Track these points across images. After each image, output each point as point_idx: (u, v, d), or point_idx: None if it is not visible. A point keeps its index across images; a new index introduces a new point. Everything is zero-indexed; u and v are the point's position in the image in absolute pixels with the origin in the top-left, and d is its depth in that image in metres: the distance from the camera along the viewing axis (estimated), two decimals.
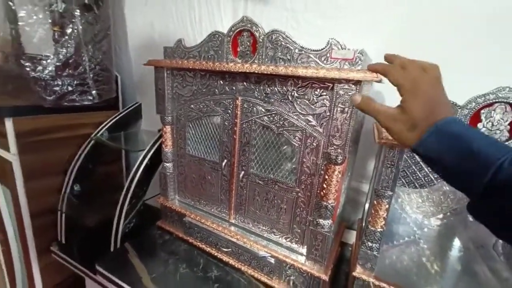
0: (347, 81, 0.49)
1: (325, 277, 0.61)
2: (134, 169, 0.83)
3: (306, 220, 0.63)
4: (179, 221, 0.85)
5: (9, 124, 0.83)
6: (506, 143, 0.47)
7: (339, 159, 0.54)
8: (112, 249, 0.84)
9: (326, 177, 0.57)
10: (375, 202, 0.58)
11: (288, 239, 0.68)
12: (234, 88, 0.65)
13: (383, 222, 0.59)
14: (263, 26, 0.57)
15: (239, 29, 0.59)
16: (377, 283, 0.60)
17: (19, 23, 0.82)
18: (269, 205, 0.68)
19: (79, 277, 0.95)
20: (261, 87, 0.61)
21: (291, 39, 0.53)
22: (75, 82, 0.92)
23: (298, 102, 0.57)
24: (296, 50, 0.53)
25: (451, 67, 0.63)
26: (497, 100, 0.46)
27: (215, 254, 0.78)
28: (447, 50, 0.67)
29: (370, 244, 0.60)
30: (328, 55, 0.51)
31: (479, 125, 0.48)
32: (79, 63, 0.92)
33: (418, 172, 0.55)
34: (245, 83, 0.63)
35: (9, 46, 0.89)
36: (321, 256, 0.62)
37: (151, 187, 0.96)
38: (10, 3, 0.80)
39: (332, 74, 0.49)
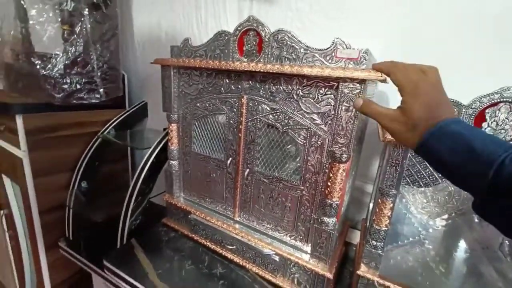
0: (352, 80, 0.49)
1: (329, 275, 0.61)
2: (140, 166, 0.85)
3: (310, 218, 0.64)
4: (184, 218, 0.86)
5: (19, 121, 0.85)
6: (511, 142, 0.47)
7: (343, 157, 0.54)
8: (118, 245, 0.85)
9: (331, 175, 0.57)
10: (379, 200, 0.58)
11: (292, 237, 0.69)
12: (239, 86, 0.66)
13: (388, 221, 0.59)
14: (268, 26, 0.57)
15: (245, 29, 0.60)
16: (381, 281, 0.60)
17: (30, 22, 0.84)
18: (274, 203, 0.69)
19: (86, 273, 0.97)
20: (267, 86, 0.62)
21: (296, 39, 0.54)
22: (83, 80, 0.93)
23: (303, 101, 0.58)
24: (302, 50, 0.54)
25: (454, 67, 0.64)
26: (502, 100, 0.45)
27: (220, 252, 0.78)
28: (449, 50, 0.67)
29: (374, 242, 0.60)
30: (333, 54, 0.51)
31: (484, 125, 0.48)
32: (87, 61, 0.93)
33: (422, 171, 0.55)
34: (250, 82, 0.64)
35: (19, 45, 0.91)
36: (325, 254, 0.62)
37: (156, 186, 0.97)
38: (22, 2, 0.81)
39: (337, 73, 0.49)
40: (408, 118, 0.37)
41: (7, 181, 1.09)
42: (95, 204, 1.01)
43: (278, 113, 0.62)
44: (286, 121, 0.61)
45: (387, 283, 0.60)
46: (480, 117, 0.47)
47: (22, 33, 0.89)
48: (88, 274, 0.96)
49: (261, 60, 0.59)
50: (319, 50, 0.52)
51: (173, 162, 0.85)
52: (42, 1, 0.83)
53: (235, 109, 0.68)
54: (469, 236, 0.75)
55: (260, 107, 0.64)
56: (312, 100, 0.56)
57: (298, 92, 0.58)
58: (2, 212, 1.19)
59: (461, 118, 0.49)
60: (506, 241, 0.69)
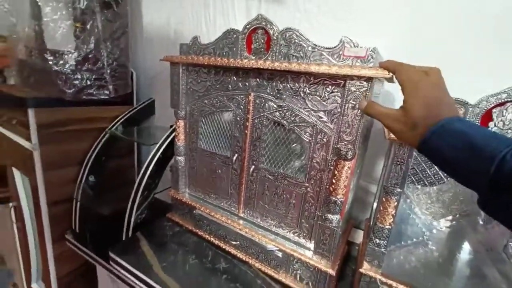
0: (359, 78, 0.50)
1: (332, 272, 0.62)
2: (147, 161, 0.86)
3: (314, 215, 0.64)
4: (189, 213, 0.88)
5: (31, 115, 0.88)
6: None
7: (349, 155, 0.55)
8: (124, 238, 0.86)
9: (336, 172, 0.58)
10: (384, 199, 0.58)
11: (296, 234, 0.69)
12: (247, 84, 0.67)
13: (392, 220, 0.59)
14: (276, 25, 0.58)
15: (254, 27, 0.61)
16: (384, 279, 0.60)
17: (44, 19, 0.86)
18: (278, 200, 0.70)
19: (90, 265, 0.98)
20: (274, 84, 0.63)
21: (304, 37, 0.55)
22: (94, 76, 0.96)
23: (309, 99, 0.59)
24: (309, 48, 0.55)
25: (462, 66, 0.65)
26: (509, 100, 0.46)
27: (224, 247, 0.79)
28: (456, 50, 0.67)
29: (378, 241, 0.61)
30: (340, 52, 0.52)
31: (491, 124, 0.48)
32: (98, 58, 0.95)
33: (428, 170, 0.55)
34: (258, 79, 0.65)
35: (32, 41, 0.93)
36: (328, 250, 0.63)
37: (160, 182, 0.99)
38: (36, 0, 0.84)
39: (345, 71, 0.50)
40: (409, 117, 0.38)
41: (17, 174, 1.12)
42: (102, 198, 1.03)
43: (285, 111, 0.63)
44: (292, 118, 0.62)
45: (389, 281, 0.60)
46: (487, 117, 0.48)
47: (35, 30, 0.91)
48: (92, 267, 0.97)
49: (269, 58, 0.60)
50: (326, 48, 0.53)
51: (180, 158, 0.86)
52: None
53: (242, 106, 0.69)
54: (473, 237, 0.75)
55: (267, 104, 0.65)
56: (318, 98, 0.57)
57: (305, 89, 0.59)
58: (11, 204, 1.22)
59: (467, 117, 0.49)
60: (511, 243, 0.68)
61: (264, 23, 0.59)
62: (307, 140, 0.61)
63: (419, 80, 0.39)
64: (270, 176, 0.70)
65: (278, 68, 0.57)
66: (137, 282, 0.71)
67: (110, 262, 0.78)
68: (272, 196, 0.71)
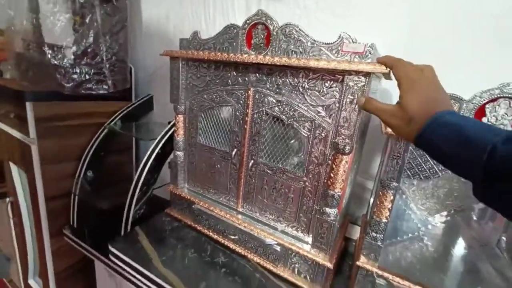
0: (357, 73, 0.51)
1: (329, 265, 0.63)
2: (146, 156, 0.86)
3: (312, 209, 0.65)
4: (188, 208, 0.88)
5: (29, 108, 0.87)
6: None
7: (346, 149, 0.56)
8: (122, 233, 0.87)
9: (334, 166, 0.59)
10: (380, 193, 0.59)
11: (294, 228, 0.70)
12: (246, 79, 0.67)
13: (388, 213, 0.60)
14: (276, 20, 0.59)
15: (254, 22, 0.62)
16: (380, 272, 0.62)
17: (42, 12, 0.85)
18: (277, 194, 0.71)
19: (88, 261, 0.99)
20: (273, 79, 0.63)
21: (304, 32, 0.56)
22: (92, 71, 0.95)
23: (308, 94, 0.59)
24: (309, 43, 0.56)
25: (458, 63, 0.66)
26: (502, 96, 0.47)
27: (222, 242, 0.80)
28: (454, 47, 0.68)
29: (374, 234, 0.62)
30: (339, 48, 0.53)
31: (484, 119, 0.49)
32: (97, 53, 0.95)
33: (423, 164, 0.56)
34: (257, 75, 0.65)
35: (30, 34, 0.93)
36: (326, 244, 0.64)
37: (158, 178, 0.99)
38: None
39: (343, 66, 0.51)
40: (405, 112, 0.39)
41: (14, 169, 1.12)
42: (100, 193, 1.03)
43: (284, 106, 0.63)
44: (291, 113, 0.63)
45: (385, 274, 0.61)
46: (480, 112, 0.49)
47: (33, 23, 0.90)
48: (90, 262, 0.97)
49: (269, 53, 0.61)
50: (325, 43, 0.54)
51: (179, 153, 0.86)
52: None
53: (241, 101, 0.69)
54: (467, 233, 0.77)
55: (266, 99, 0.66)
56: (317, 93, 0.58)
57: (304, 85, 0.59)
58: (7, 199, 1.21)
59: (462, 112, 0.50)
60: (504, 238, 0.70)
61: (264, 19, 0.60)
62: (305, 135, 0.62)
63: (415, 76, 0.40)
64: (269, 171, 0.70)
65: (278, 63, 0.58)
66: (136, 275, 0.72)
67: (109, 256, 0.78)
68: (271, 191, 0.71)
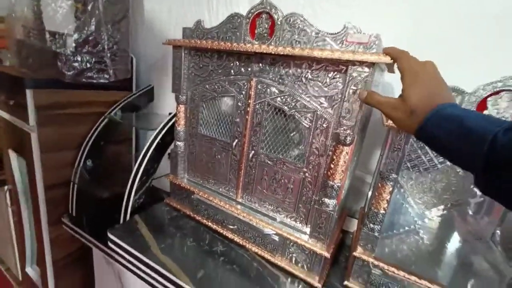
0: (361, 63, 0.51)
1: (326, 254, 0.64)
2: (147, 145, 0.86)
3: (311, 199, 0.66)
4: (187, 198, 0.88)
5: (29, 96, 0.87)
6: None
7: (347, 140, 0.56)
8: (121, 221, 0.87)
9: (334, 157, 0.59)
10: (379, 184, 0.60)
11: (292, 218, 0.71)
12: (249, 69, 0.67)
13: (386, 205, 0.61)
14: (281, 9, 0.59)
15: (258, 11, 0.61)
16: (376, 263, 0.62)
17: None
18: (277, 185, 0.71)
19: (86, 249, 0.99)
20: (276, 69, 0.63)
21: (308, 22, 0.56)
22: (93, 59, 0.95)
23: (311, 84, 0.60)
24: (313, 33, 0.56)
25: (460, 56, 0.66)
26: (504, 89, 0.47)
27: (221, 231, 0.81)
28: (457, 40, 0.69)
29: (371, 225, 0.63)
30: (343, 38, 0.53)
31: (485, 112, 0.50)
32: (98, 41, 0.94)
33: (423, 156, 0.57)
34: (260, 65, 0.65)
35: (31, 21, 0.92)
36: (324, 234, 0.64)
37: (157, 170, 0.99)
38: None
39: (347, 56, 0.51)
40: (407, 105, 0.40)
41: (13, 156, 1.11)
42: (99, 182, 1.03)
43: (286, 96, 0.63)
44: (293, 104, 0.63)
45: (381, 264, 0.62)
46: (482, 105, 0.50)
47: (34, 10, 0.90)
48: (88, 250, 0.98)
49: (272, 43, 0.61)
50: (330, 34, 0.54)
51: (179, 143, 0.86)
52: None
53: (243, 92, 0.70)
54: (463, 227, 0.78)
55: (268, 89, 0.66)
56: (320, 84, 0.58)
57: (307, 75, 0.59)
58: (6, 187, 1.21)
59: (464, 105, 0.51)
60: (498, 232, 0.71)
61: (269, 8, 0.60)
62: (307, 126, 0.62)
63: (418, 70, 0.41)
64: (269, 162, 0.71)
65: (282, 53, 0.58)
66: (135, 262, 0.72)
67: (108, 243, 0.78)
68: (271, 181, 0.72)
